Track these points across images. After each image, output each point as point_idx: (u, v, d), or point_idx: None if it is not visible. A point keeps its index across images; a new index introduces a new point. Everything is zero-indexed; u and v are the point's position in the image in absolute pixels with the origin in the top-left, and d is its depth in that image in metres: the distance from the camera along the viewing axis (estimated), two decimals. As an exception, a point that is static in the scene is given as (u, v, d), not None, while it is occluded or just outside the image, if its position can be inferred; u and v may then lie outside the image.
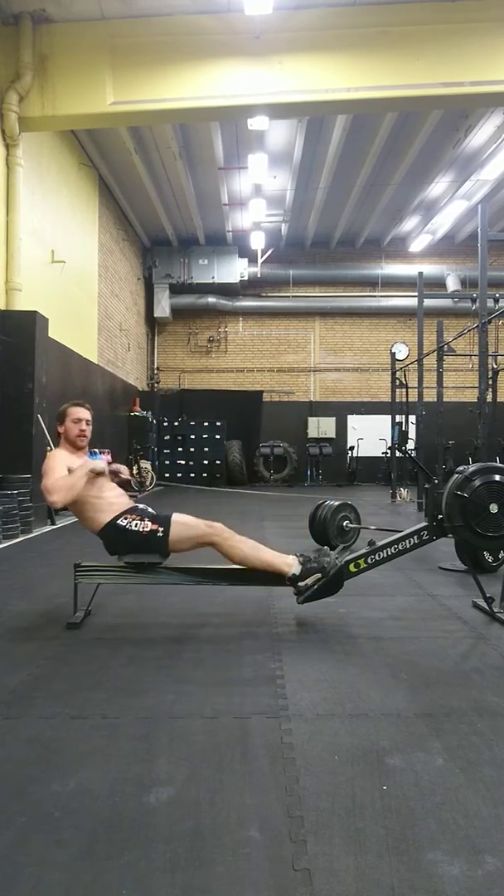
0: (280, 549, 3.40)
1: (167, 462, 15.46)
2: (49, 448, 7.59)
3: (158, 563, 3.25)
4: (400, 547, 3.39)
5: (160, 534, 3.18)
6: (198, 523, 3.25)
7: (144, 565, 3.24)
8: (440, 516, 3.40)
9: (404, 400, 11.77)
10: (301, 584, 3.19)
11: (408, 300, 15.57)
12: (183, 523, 3.24)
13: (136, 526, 3.20)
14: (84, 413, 3.41)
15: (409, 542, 3.42)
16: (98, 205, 11.66)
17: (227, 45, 7.51)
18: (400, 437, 11.37)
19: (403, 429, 11.79)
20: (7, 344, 7.14)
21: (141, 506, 3.38)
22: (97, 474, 3.21)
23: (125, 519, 3.22)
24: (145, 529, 3.19)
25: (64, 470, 3.14)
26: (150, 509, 3.36)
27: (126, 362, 14.14)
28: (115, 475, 3.44)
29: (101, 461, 3.28)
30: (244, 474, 15.63)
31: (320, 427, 16.46)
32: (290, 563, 3.22)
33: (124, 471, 3.53)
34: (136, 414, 14.28)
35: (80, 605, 3.37)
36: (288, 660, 2.76)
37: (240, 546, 3.21)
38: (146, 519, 3.23)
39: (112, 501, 3.28)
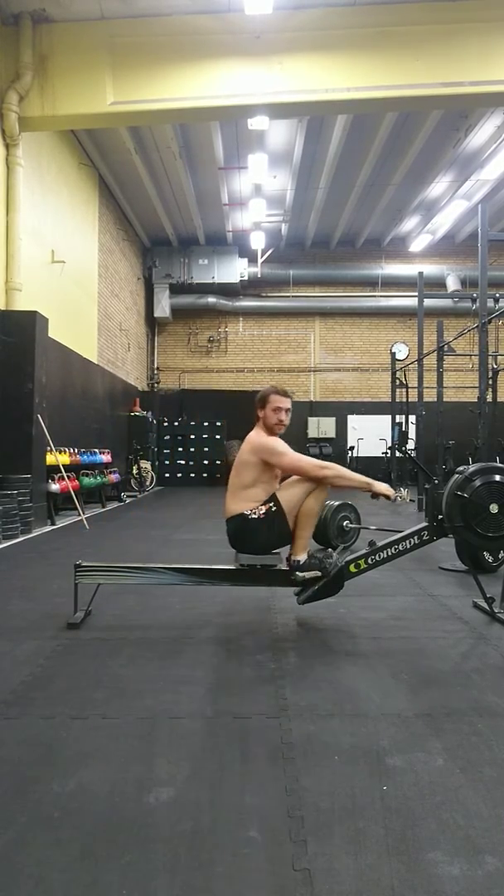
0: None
1: (167, 462, 15.46)
2: (49, 448, 7.59)
3: (272, 566, 3.24)
4: (400, 547, 3.39)
5: (273, 507, 3.19)
6: (305, 467, 3.24)
7: (144, 567, 3.24)
8: (440, 516, 3.40)
9: (404, 400, 11.77)
10: (299, 574, 3.20)
11: (408, 300, 15.57)
12: (287, 484, 3.27)
13: (254, 514, 3.19)
14: (286, 402, 3.41)
15: (410, 543, 3.42)
16: (98, 205, 11.66)
17: (227, 45, 7.50)
18: (400, 437, 11.38)
19: (403, 429, 11.81)
20: (7, 344, 7.14)
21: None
22: (371, 493, 3.22)
23: (252, 510, 3.21)
24: (261, 513, 3.19)
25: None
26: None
27: (126, 362, 14.14)
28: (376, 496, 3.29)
29: (387, 489, 3.22)
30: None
31: (320, 427, 16.46)
32: (305, 547, 3.26)
33: (391, 495, 3.32)
34: (136, 414, 14.28)
35: (80, 605, 3.36)
36: (288, 660, 2.76)
37: (320, 504, 3.27)
38: (259, 504, 3.22)
39: (254, 493, 3.25)
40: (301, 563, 3.22)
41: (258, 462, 3.23)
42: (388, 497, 3.24)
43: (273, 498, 3.21)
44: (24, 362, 7.21)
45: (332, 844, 1.48)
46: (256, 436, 3.33)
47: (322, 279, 16.52)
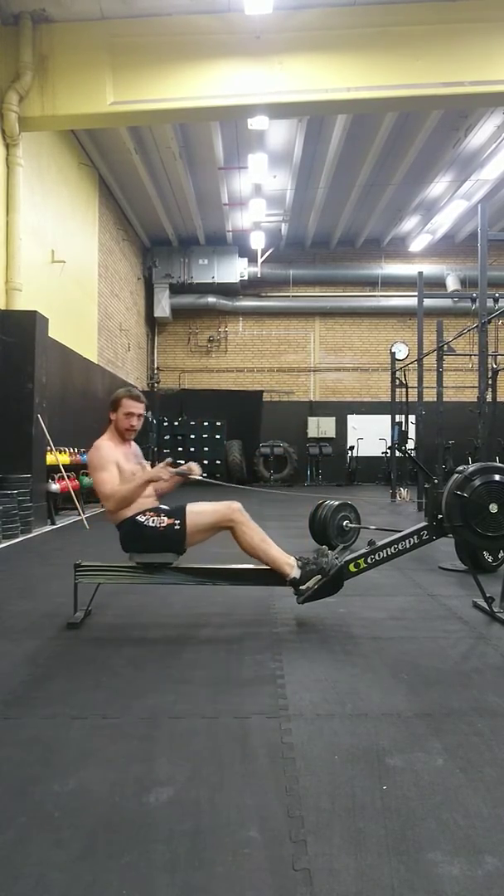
0: (280, 549, 3.39)
1: (167, 462, 15.43)
2: (49, 448, 7.59)
3: (169, 564, 3.24)
4: (400, 547, 3.39)
5: (177, 526, 3.17)
6: (215, 507, 3.22)
7: (146, 565, 3.24)
8: (440, 516, 3.40)
9: (404, 400, 11.77)
10: (302, 587, 3.19)
11: (408, 300, 15.56)
12: (198, 512, 3.21)
13: (153, 522, 3.18)
14: (137, 407, 3.36)
15: (409, 542, 3.42)
16: (98, 205, 11.66)
17: (227, 45, 7.50)
18: (400, 436, 11.37)
19: (403, 429, 11.80)
20: (7, 344, 7.14)
21: (163, 506, 3.35)
22: (154, 481, 3.19)
23: (144, 516, 3.20)
24: (161, 525, 3.17)
25: (114, 470, 3.14)
26: (164, 506, 3.34)
27: (126, 362, 14.14)
28: (184, 476, 3.30)
29: (164, 470, 3.18)
30: (244, 474, 15.63)
31: (320, 427, 16.46)
32: (291, 565, 3.22)
33: (196, 471, 3.35)
34: (136, 414, 14.26)
35: (80, 605, 3.36)
36: (288, 660, 2.76)
37: (251, 534, 3.21)
38: (162, 514, 3.21)
39: (140, 500, 3.24)
40: (298, 577, 3.20)
41: None
42: (186, 474, 3.26)
43: (181, 515, 3.19)
44: (24, 362, 7.21)
45: (332, 844, 1.48)
46: (98, 442, 3.27)
47: (322, 279, 16.52)
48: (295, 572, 3.20)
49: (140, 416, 3.38)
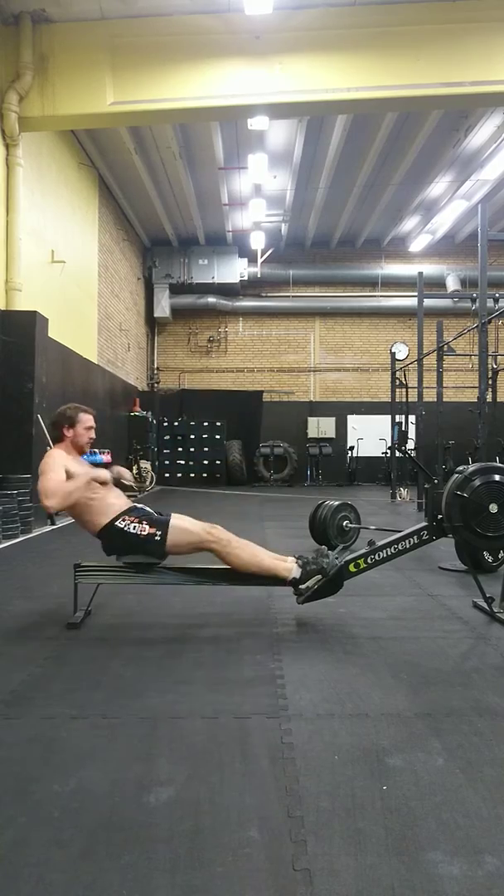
0: (280, 549, 3.40)
1: (167, 462, 15.46)
2: (49, 448, 7.59)
3: (157, 563, 3.25)
4: (400, 547, 3.39)
5: (157, 538, 3.17)
6: (196, 528, 3.22)
7: (144, 565, 3.24)
8: (440, 516, 3.40)
9: (404, 400, 11.77)
10: (302, 587, 3.19)
11: (408, 300, 15.56)
12: (181, 528, 3.21)
13: (134, 529, 3.18)
14: (93, 421, 3.48)
15: (409, 542, 3.42)
16: (98, 205, 11.66)
17: (227, 45, 7.50)
18: (400, 437, 11.38)
19: (403, 429, 11.80)
20: (7, 344, 7.14)
21: (140, 506, 3.36)
22: (100, 483, 3.20)
23: (124, 521, 3.20)
24: (143, 533, 3.17)
25: (62, 472, 3.12)
26: (148, 509, 3.34)
27: (126, 362, 14.14)
28: (117, 481, 3.40)
29: (105, 472, 3.25)
30: (244, 474, 15.63)
31: (320, 427, 16.45)
32: (289, 568, 3.22)
33: (127, 475, 3.48)
34: (136, 414, 14.28)
35: (80, 605, 3.36)
36: (288, 660, 2.76)
37: (238, 553, 3.19)
38: (144, 522, 3.21)
39: (110, 503, 3.25)
40: (298, 577, 3.20)
41: None
42: (118, 478, 3.33)
43: (164, 527, 3.22)
44: (24, 362, 7.21)
45: (332, 844, 1.48)
46: (47, 456, 3.26)
47: (322, 279, 16.52)
48: (294, 573, 3.21)
49: (93, 427, 3.50)
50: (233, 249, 15.88)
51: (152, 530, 3.18)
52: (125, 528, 3.19)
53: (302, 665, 2.70)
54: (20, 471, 6.97)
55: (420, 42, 7.37)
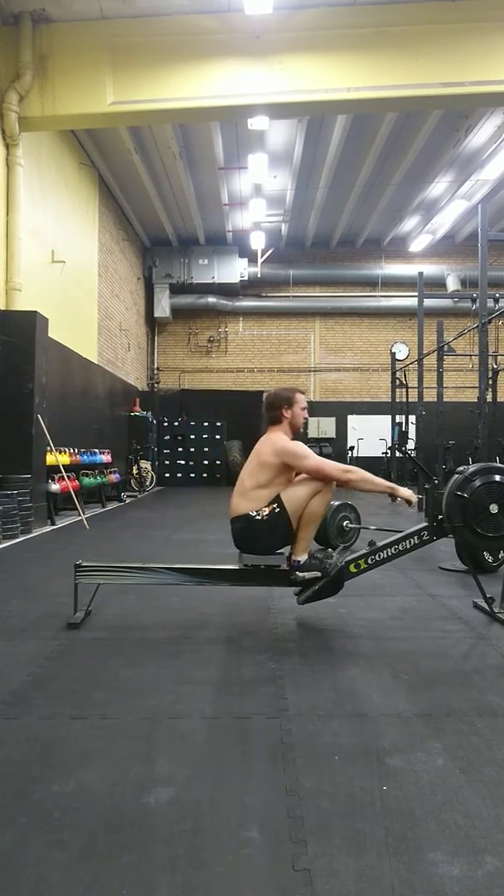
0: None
1: (167, 462, 15.46)
2: (49, 448, 7.59)
3: (276, 567, 3.24)
4: (400, 547, 3.39)
5: (277, 509, 3.18)
6: (300, 479, 3.26)
7: (144, 566, 3.24)
8: (440, 516, 3.39)
9: (404, 400, 11.78)
10: (299, 574, 3.20)
11: (408, 300, 15.56)
12: (289, 486, 3.24)
13: (258, 515, 3.18)
14: (305, 401, 3.53)
15: (410, 543, 3.42)
16: (98, 205, 11.66)
17: (227, 45, 7.50)
18: (400, 437, 11.38)
19: (403, 429, 11.81)
20: (7, 344, 7.14)
21: None
22: (394, 498, 3.25)
23: (255, 511, 3.21)
24: (264, 514, 3.18)
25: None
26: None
27: (126, 362, 14.14)
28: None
29: (410, 493, 3.23)
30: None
31: (320, 427, 16.45)
32: (305, 551, 3.27)
33: (413, 500, 3.33)
34: (136, 414, 14.29)
35: (80, 605, 3.36)
36: (288, 660, 2.76)
37: (323, 509, 3.28)
38: (263, 505, 3.21)
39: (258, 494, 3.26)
40: (301, 563, 3.22)
41: (279, 465, 3.23)
42: (409, 502, 3.24)
43: (277, 499, 3.19)
44: (24, 362, 7.21)
45: (332, 845, 1.48)
46: (278, 438, 3.32)
47: (322, 279, 16.52)
48: (303, 557, 3.24)
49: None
50: (233, 249, 15.89)
51: (270, 507, 3.22)
52: (253, 517, 3.22)
53: (302, 665, 2.70)
54: (20, 471, 6.97)
55: (420, 42, 7.37)
